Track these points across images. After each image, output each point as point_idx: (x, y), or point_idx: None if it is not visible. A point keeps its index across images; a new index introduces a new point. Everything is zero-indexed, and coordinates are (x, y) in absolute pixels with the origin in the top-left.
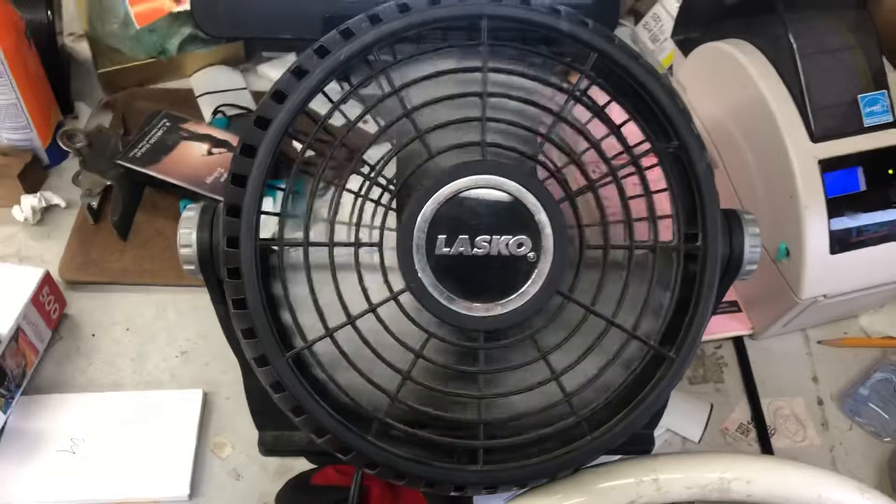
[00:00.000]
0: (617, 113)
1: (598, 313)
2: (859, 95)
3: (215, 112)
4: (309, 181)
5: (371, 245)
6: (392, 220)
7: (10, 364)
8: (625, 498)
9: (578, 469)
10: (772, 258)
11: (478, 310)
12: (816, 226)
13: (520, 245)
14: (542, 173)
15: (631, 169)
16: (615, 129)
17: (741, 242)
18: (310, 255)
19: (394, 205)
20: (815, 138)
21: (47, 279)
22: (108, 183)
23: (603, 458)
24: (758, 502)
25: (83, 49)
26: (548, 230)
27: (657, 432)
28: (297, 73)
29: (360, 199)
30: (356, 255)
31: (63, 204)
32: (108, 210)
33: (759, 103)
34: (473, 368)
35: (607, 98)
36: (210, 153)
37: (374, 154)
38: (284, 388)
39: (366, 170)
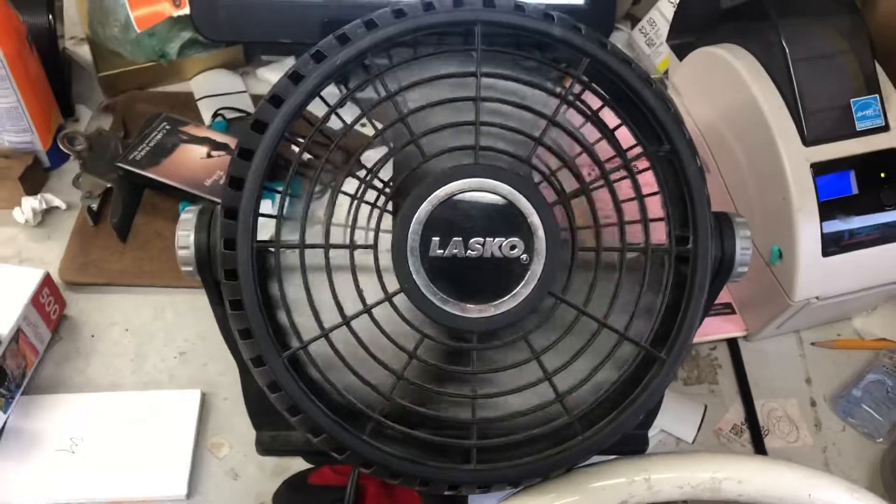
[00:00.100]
0: (610, 117)
1: (590, 314)
2: (852, 99)
3: (215, 115)
4: (306, 184)
5: (366, 247)
6: (387, 222)
7: (10, 364)
8: (617, 497)
9: (571, 468)
10: (765, 260)
11: (471, 311)
12: (809, 228)
13: (513, 247)
14: (535, 177)
15: (623, 172)
16: (608, 134)
17: (732, 245)
18: (306, 256)
19: (389, 207)
20: (807, 142)
21: (47, 280)
22: (108, 185)
23: (597, 459)
24: (749, 502)
25: (84, 52)
26: (540, 232)
27: (651, 433)
28: (294, 77)
29: (355, 202)
30: (351, 256)
31: (63, 206)
32: (107, 212)
33: (752, 107)
34: (467, 369)
35: (600, 103)
36: (209, 156)
37: (370, 157)
38: (280, 388)
39: (362, 173)
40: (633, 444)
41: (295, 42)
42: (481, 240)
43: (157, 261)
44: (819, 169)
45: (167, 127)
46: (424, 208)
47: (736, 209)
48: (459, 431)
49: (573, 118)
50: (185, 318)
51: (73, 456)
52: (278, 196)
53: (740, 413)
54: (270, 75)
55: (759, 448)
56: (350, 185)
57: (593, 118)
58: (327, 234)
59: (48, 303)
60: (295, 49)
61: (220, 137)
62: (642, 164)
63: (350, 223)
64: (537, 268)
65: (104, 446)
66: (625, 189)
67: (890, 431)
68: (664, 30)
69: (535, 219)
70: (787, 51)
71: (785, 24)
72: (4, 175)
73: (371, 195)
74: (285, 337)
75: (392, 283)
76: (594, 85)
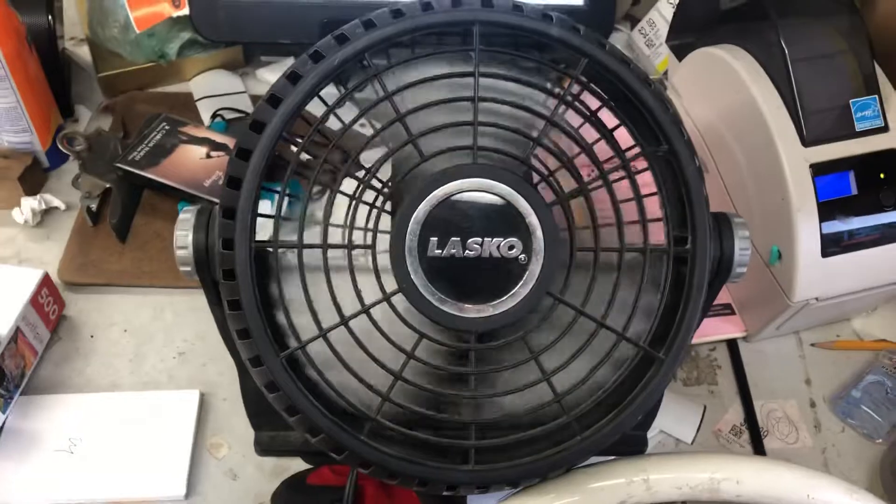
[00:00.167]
0: (609, 118)
1: (589, 315)
2: (851, 100)
3: (214, 116)
4: (305, 184)
5: (364, 247)
6: (386, 222)
7: (8, 365)
8: (615, 498)
9: (570, 469)
10: (764, 261)
11: (469, 311)
12: (808, 229)
13: (511, 247)
14: (534, 177)
15: (622, 173)
16: (606, 134)
17: (731, 245)
18: (304, 256)
19: (388, 207)
20: (806, 142)
21: (46, 281)
22: (108, 185)
23: (596, 459)
24: (747, 502)
25: (84, 53)
26: (539, 233)
27: (650, 434)
28: (292, 77)
29: (354, 202)
30: (349, 257)
31: (62, 206)
32: (107, 212)
33: (751, 108)
34: (465, 369)
35: (599, 103)
36: (209, 156)
37: (369, 157)
38: (278, 388)
39: (361, 173)
40: (632, 445)
41: (294, 43)
42: (479, 240)
43: (156, 261)
44: (818, 169)
45: (166, 127)
46: (423, 208)
47: (735, 210)
48: (458, 432)
49: (572, 118)
50: (185, 319)
51: (71, 456)
52: (277, 196)
53: (740, 414)
54: (270, 76)
55: (759, 449)
56: (349, 185)
57: (592, 118)
58: (325, 235)
59: (47, 303)
60: (294, 50)
61: (219, 138)
62: (641, 164)
63: (348, 223)
64: (535, 268)
65: (103, 446)
66: (623, 189)
67: (889, 432)
68: (663, 31)
69: (533, 219)
70: (787, 51)
71: (784, 25)
72: (3, 175)
73: (369, 195)
74: (283, 337)
75: (390, 284)
76: (593, 85)
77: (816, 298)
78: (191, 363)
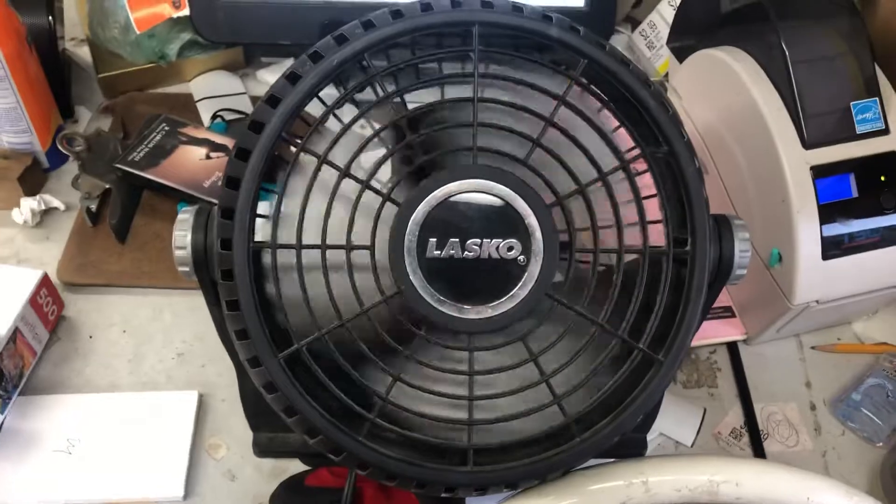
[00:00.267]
0: (608, 119)
1: (588, 316)
2: (851, 102)
3: (214, 117)
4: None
5: (363, 248)
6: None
7: (7, 365)
8: (614, 500)
9: (568, 471)
10: (764, 263)
11: (468, 312)
12: (808, 231)
13: (510, 248)
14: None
15: (621, 174)
16: (606, 135)
17: (731, 247)
18: (303, 256)
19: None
20: (807, 145)
21: (45, 281)
22: (107, 186)
23: (595, 462)
24: None
25: (84, 54)
26: (538, 234)
27: (650, 436)
28: (291, 77)
29: (353, 202)
30: (348, 257)
31: (62, 207)
32: (106, 213)
33: (751, 110)
34: (464, 370)
35: (599, 104)
36: (208, 157)
37: (368, 158)
38: (277, 389)
39: (360, 174)
40: (631, 447)
41: (294, 43)
42: (478, 241)
43: (155, 262)
44: (819, 172)
45: (166, 128)
46: (422, 209)
47: (735, 212)
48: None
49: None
50: (184, 320)
51: (70, 457)
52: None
53: (740, 417)
54: (270, 77)
55: (759, 452)
56: (348, 185)
57: (591, 120)
58: (324, 235)
59: (46, 303)
60: (295, 51)
61: (219, 139)
62: (640, 165)
63: (347, 224)
64: (535, 269)
65: (101, 447)
66: (623, 192)
67: (890, 436)
68: (664, 32)
69: (532, 220)
70: (787, 53)
71: (785, 27)
72: (3, 176)
73: (369, 196)
74: (282, 337)
75: (389, 284)
76: (592, 86)
77: (817, 301)
78: (189, 364)
